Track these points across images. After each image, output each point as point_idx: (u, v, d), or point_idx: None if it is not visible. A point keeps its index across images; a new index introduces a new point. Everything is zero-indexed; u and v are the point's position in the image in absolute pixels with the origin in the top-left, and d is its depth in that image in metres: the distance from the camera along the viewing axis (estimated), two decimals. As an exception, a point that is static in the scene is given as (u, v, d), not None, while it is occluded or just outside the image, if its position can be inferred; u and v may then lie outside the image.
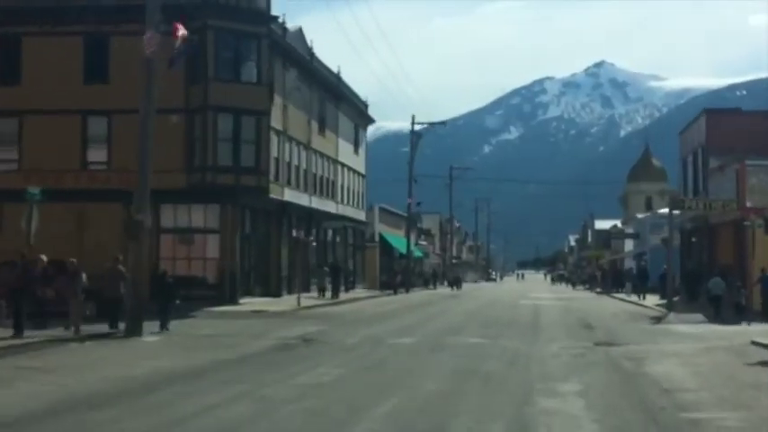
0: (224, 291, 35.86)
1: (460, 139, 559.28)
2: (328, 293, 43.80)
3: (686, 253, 43.19)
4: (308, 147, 46.13)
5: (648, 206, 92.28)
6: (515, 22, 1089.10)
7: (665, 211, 67.97)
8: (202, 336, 23.57)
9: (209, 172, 35.31)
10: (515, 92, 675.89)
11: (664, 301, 40.81)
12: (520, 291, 72.06)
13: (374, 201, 66.85)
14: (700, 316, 31.02)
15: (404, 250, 67.46)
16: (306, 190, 46.14)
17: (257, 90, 36.45)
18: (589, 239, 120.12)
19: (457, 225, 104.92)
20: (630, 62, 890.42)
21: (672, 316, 31.18)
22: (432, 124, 60.98)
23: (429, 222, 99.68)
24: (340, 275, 45.24)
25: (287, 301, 37.72)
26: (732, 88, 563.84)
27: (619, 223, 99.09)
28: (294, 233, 36.25)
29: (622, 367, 16.78)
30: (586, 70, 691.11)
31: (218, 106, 35.44)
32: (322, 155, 49.07)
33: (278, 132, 40.94)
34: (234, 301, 35.48)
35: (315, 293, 44.25)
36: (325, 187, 49.96)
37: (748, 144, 36.31)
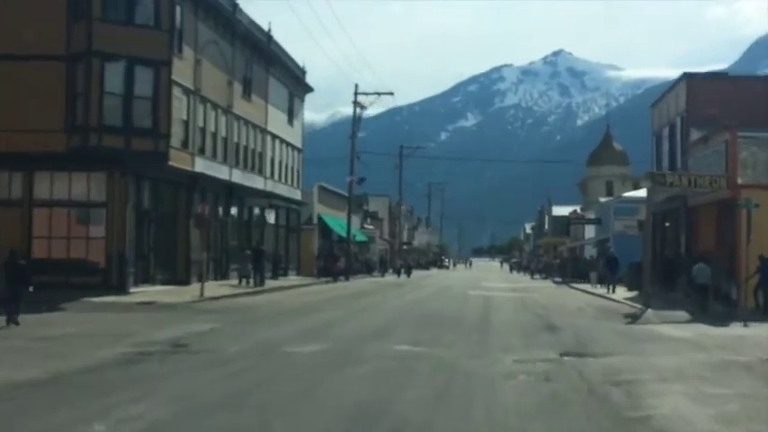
0: (111, 277, 29.61)
1: (417, 125, 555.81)
2: (253, 281, 37.83)
3: (659, 239, 37.82)
4: (228, 111, 39.86)
5: (609, 191, 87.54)
6: (474, 9, 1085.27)
7: (631, 194, 63.05)
8: (48, 336, 17.65)
9: (93, 133, 28.93)
10: (473, 79, 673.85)
11: (634, 294, 35.47)
12: (472, 280, 66.57)
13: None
14: (683, 313, 25.59)
15: (344, 234, 61.46)
16: (225, 161, 39.93)
17: (155, 36, 30.07)
18: (546, 226, 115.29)
19: (406, 208, 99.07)
20: (589, 51, 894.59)
21: (650, 313, 25.68)
22: (378, 94, 55.06)
23: (378, 206, 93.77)
24: (264, 260, 39.12)
25: (192, 291, 31.58)
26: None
27: (578, 209, 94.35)
28: (200, 209, 30.05)
29: (609, 403, 11.02)
30: (545, 59, 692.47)
31: (106, 53, 29.05)
32: (247, 122, 42.83)
33: (188, 91, 34.68)
34: (123, 290, 29.26)
35: (236, 281, 38.34)
36: (250, 159, 43.76)
37: (734, 113, 31.01)
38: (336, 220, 60.53)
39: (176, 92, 33.16)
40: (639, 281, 37.84)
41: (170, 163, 31.75)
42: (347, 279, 55.00)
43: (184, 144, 34.61)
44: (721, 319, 23.78)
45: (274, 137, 47.85)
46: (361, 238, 69.72)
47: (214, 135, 38.15)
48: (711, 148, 29.58)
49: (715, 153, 28.93)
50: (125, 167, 29.70)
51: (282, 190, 49.96)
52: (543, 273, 79.44)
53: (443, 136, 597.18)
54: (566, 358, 15.51)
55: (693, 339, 19.22)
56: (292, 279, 48.89)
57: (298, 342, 17.27)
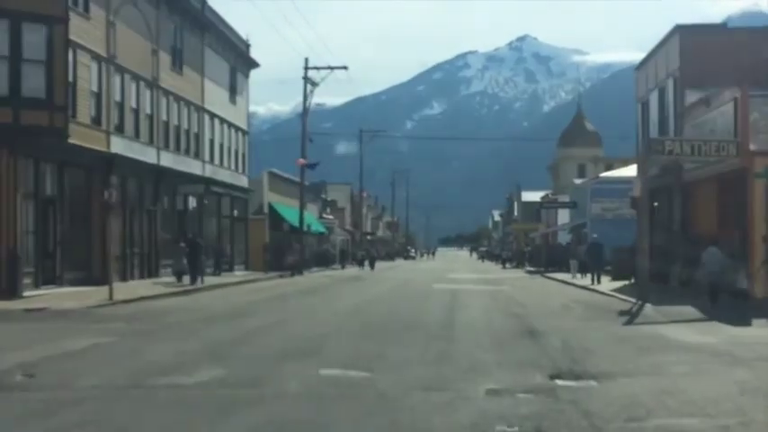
0: (0, 280, 24.48)
1: (383, 114, 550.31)
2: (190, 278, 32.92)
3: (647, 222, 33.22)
4: (153, 85, 34.70)
5: (582, 174, 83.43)
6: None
7: (610, 174, 58.66)
8: None
9: (-30, 104, 23.78)
10: (438, 66, 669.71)
11: (621, 285, 30.96)
12: (438, 271, 61.96)
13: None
14: (690, 309, 21.05)
15: (304, 226, 56.48)
16: (152, 142, 34.80)
17: (47, -14, 24.91)
18: (515, 213, 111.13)
19: (367, 195, 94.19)
20: (554, 36, 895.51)
21: (650, 309, 21.12)
22: (331, 68, 50.00)
23: (338, 195, 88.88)
24: (200, 254, 34.07)
25: (105, 293, 26.53)
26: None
27: (549, 194, 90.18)
28: (106, 195, 24.93)
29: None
30: (510, 44, 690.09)
31: (-16, 6, 23.88)
32: (178, 98, 37.72)
33: (99, 58, 29.53)
34: (14, 293, 24.15)
35: (169, 278, 33.46)
36: (183, 141, 38.66)
37: (737, 71, 26.54)
38: (290, 209, 55.51)
39: (83, 58, 28.04)
40: (627, 269, 33.45)
41: (73, 141, 26.58)
42: (300, 273, 50.14)
43: (96, 120, 29.48)
44: (738, 316, 19.28)
45: (213, 116, 42.75)
46: (318, 228, 64.78)
47: (136, 111, 33.00)
48: (715, 110, 25.01)
49: (721, 116, 24.35)
50: (13, 146, 24.51)
51: (225, 176, 44.91)
52: (514, 261, 75.14)
53: (409, 125, 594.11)
54: (559, 383, 10.90)
55: (720, 347, 14.63)
56: (238, 275, 43.91)
57: (189, 366, 12.43)
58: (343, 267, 69.90)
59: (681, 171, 27.93)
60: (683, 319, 19.21)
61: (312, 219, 65.94)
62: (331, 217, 77.95)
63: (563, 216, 66.81)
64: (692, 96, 27.76)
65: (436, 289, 33.94)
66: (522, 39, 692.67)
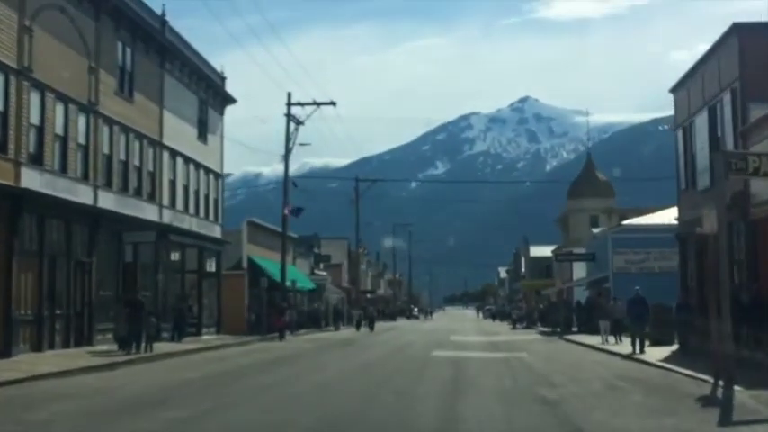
0: None
1: (387, 174, 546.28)
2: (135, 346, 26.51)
3: (695, 273, 26.80)
4: (90, 110, 28.49)
5: (594, 226, 77.16)
6: (438, 60, 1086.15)
7: (633, 221, 52.26)
8: None
9: None
10: (442, 127, 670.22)
11: (669, 352, 24.34)
12: (441, 332, 55.19)
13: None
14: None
15: (289, 282, 50.03)
16: (86, 179, 28.49)
17: None
18: (523, 269, 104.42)
19: (364, 250, 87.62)
20: (554, 97, 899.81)
21: (743, 395, 14.52)
22: (317, 104, 44.05)
23: (334, 250, 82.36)
24: (143, 316, 27.57)
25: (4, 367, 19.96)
26: (655, 122, 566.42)
27: (561, 248, 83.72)
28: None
29: None
30: (511, 105, 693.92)
31: None
32: (126, 129, 31.55)
33: (6, 69, 23.46)
34: None
35: (110, 345, 27.12)
36: (132, 180, 32.39)
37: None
38: (274, 263, 48.97)
39: (-19, 66, 21.95)
40: (668, 333, 26.92)
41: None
42: (282, 338, 43.50)
43: (3, 147, 23.25)
44: None
45: (175, 153, 36.55)
46: (305, 284, 58.11)
47: (63, 140, 26.75)
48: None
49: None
50: None
51: (191, 224, 38.58)
52: (524, 321, 68.34)
53: (413, 184, 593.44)
54: None
55: None
56: (206, 339, 37.31)
57: None
58: (336, 329, 63.26)
59: (748, 203, 21.56)
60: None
61: (300, 275, 59.43)
62: (324, 273, 71.35)
63: (578, 271, 60.20)
64: (757, 111, 21.53)
65: (436, 358, 27.27)
66: (523, 100, 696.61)
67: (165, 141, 35.13)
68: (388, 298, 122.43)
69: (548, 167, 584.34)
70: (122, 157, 31.25)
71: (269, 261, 49.89)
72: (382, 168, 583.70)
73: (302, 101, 44.24)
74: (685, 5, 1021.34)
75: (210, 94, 41.28)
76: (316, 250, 71.26)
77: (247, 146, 68.47)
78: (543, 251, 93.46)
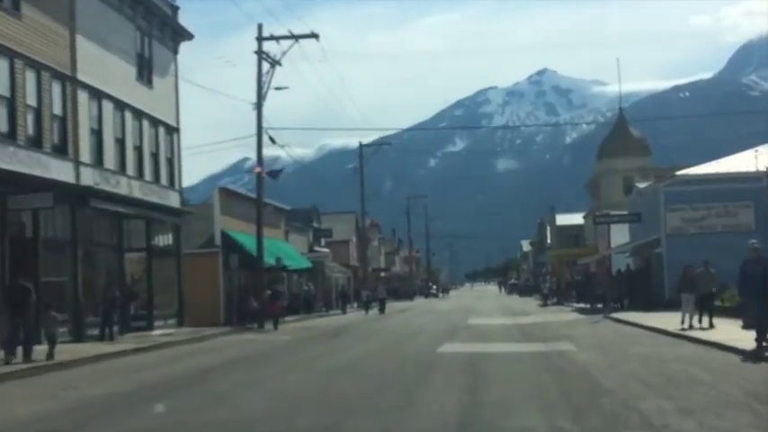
0: None
1: (405, 153, 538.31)
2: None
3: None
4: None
5: (628, 190, 68.19)
6: (452, 36, 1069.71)
7: (690, 171, 43.35)
8: None
9: None
10: (459, 103, 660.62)
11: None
12: (460, 312, 46.62)
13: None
14: None
15: (272, 260, 41.63)
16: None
17: None
18: (549, 240, 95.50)
19: (371, 225, 78.93)
20: (572, 69, 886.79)
21: None
22: (295, 37, 35.08)
23: (340, 225, 73.76)
24: (28, 308, 19.35)
25: None
26: (676, 90, 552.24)
27: (595, 212, 74.98)
28: None
29: None
30: (529, 78, 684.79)
31: None
32: (13, 55, 23.05)
33: None
34: None
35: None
36: (30, 128, 23.91)
37: None
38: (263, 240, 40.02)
39: None
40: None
41: None
42: (261, 326, 35.19)
43: None
44: None
45: (100, 94, 28.01)
46: (296, 263, 49.57)
47: None
48: None
49: None
50: None
51: (130, 188, 30.11)
52: (555, 296, 59.74)
53: (432, 162, 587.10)
54: None
55: None
56: (157, 335, 29.06)
57: None
58: (344, 312, 55.12)
59: None
60: None
61: (293, 252, 51.00)
62: (326, 250, 62.84)
63: (617, 237, 51.16)
64: None
65: (444, 356, 18.69)
66: (541, 73, 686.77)
67: (81, 77, 26.56)
68: (404, 276, 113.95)
69: (567, 140, 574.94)
70: (6, 93, 22.76)
71: (250, 237, 41.23)
72: (401, 147, 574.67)
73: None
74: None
75: (155, 25, 32.64)
76: (315, 224, 62.75)
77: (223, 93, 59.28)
78: (571, 219, 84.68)
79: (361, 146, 64.59)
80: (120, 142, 29.55)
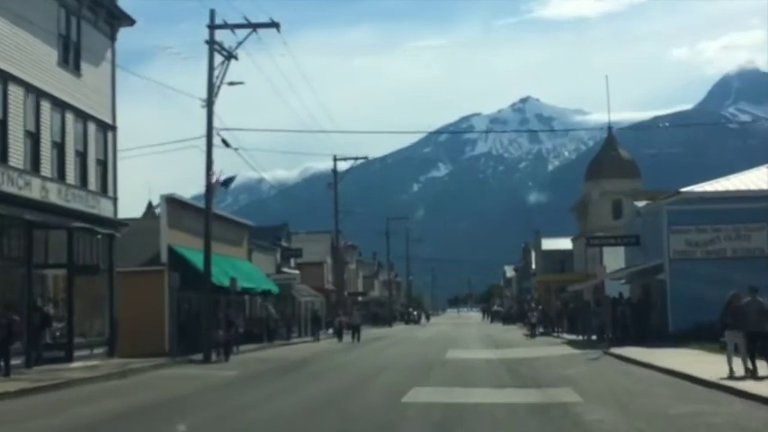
0: None
1: (389, 177, 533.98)
2: None
3: None
4: None
5: (617, 212, 63.89)
6: (437, 61, 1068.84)
7: (696, 189, 38.68)
8: None
9: None
10: (443, 129, 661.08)
11: None
12: (439, 344, 41.81)
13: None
14: None
15: (226, 280, 36.73)
16: None
17: None
18: (533, 266, 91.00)
19: (346, 246, 74.00)
20: (555, 97, 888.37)
21: None
22: (252, 26, 30.54)
23: (314, 246, 68.88)
24: None
25: None
26: (656, 120, 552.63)
27: (569, 242, 70.55)
28: None
29: None
30: (512, 106, 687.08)
31: None
32: None
33: None
34: None
35: None
36: None
37: None
38: (217, 258, 35.06)
39: None
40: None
41: None
42: (223, 357, 30.35)
43: None
44: None
45: (4, 76, 23.25)
46: (258, 285, 44.54)
47: None
48: None
49: None
50: None
51: (46, 193, 25.27)
52: (542, 326, 55.10)
53: (415, 187, 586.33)
54: None
55: None
56: (76, 367, 24.17)
57: None
58: (316, 339, 50.39)
59: None
60: None
61: (256, 273, 46.09)
62: (295, 272, 57.91)
63: (611, 261, 46.52)
64: None
65: (408, 411, 13.94)
66: (524, 100, 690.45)
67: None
68: (383, 301, 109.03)
69: (549, 167, 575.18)
70: None
71: (202, 254, 36.21)
72: (385, 171, 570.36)
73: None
74: (684, 2, 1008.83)
75: (85, 3, 27.94)
76: (284, 243, 57.86)
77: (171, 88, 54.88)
78: (558, 243, 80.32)
79: (336, 159, 59.90)
80: (33, 136, 24.73)
